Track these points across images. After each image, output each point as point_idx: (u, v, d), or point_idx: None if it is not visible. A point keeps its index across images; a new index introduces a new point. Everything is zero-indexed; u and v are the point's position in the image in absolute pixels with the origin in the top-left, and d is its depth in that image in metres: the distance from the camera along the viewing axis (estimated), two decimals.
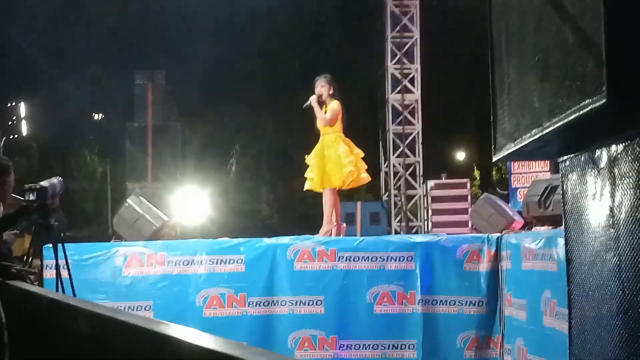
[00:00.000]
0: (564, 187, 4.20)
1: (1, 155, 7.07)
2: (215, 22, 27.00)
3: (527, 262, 7.09)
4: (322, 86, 9.08)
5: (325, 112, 8.99)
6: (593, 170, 3.73)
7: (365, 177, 9.14)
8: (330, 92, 9.04)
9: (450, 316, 8.09)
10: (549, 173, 14.79)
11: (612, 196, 3.52)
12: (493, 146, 4.52)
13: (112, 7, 26.26)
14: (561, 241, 5.03)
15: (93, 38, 27.33)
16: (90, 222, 31.97)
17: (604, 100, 2.92)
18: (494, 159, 4.57)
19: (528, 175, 16.82)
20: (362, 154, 9.15)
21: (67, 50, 27.58)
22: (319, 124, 9.06)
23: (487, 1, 4.58)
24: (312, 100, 9.04)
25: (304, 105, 9.19)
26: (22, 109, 13.64)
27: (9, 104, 13.38)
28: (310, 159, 9.10)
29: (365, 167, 9.16)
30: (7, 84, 23.80)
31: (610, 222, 3.54)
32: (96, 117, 32.13)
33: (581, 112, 3.14)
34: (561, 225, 4.63)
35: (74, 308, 1.81)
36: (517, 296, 7.46)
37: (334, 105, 8.99)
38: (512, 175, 17.54)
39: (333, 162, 8.88)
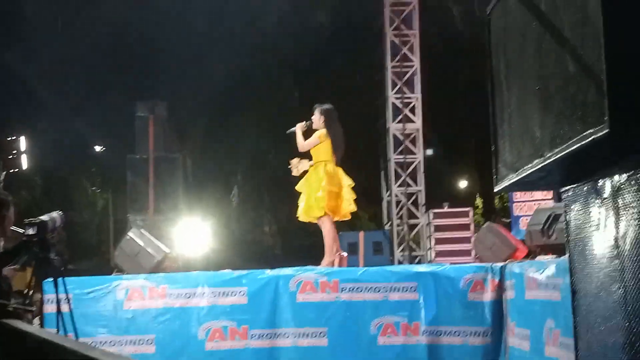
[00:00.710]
0: (567, 218, 4.16)
1: (1, 189, 7.04)
2: (216, 53, 27.09)
3: (531, 292, 7.03)
4: (315, 115, 9.25)
5: None
6: (596, 201, 3.69)
7: (350, 208, 9.19)
8: (321, 122, 9.12)
9: (455, 347, 8.01)
10: (551, 201, 14.73)
11: (617, 226, 3.48)
12: (495, 177, 4.50)
13: (113, 39, 26.36)
14: (565, 270, 4.98)
15: (93, 69, 27.42)
16: (92, 254, 31.92)
17: (606, 130, 2.90)
18: (496, 189, 4.55)
19: (530, 204, 16.78)
20: (352, 183, 9.18)
21: (66, 82, 27.67)
22: (300, 150, 9.23)
23: (485, 30, 4.57)
24: (298, 127, 9.25)
25: (288, 131, 9.41)
26: (22, 142, 13.63)
27: (8, 138, 13.38)
28: (298, 186, 9.19)
29: (354, 196, 9.21)
30: (7, 118, 23.86)
31: (615, 253, 3.49)
32: (97, 149, 32.15)
33: (583, 142, 3.12)
34: (565, 254, 4.59)
35: (67, 350, 1.77)
36: (521, 326, 7.39)
37: (317, 133, 9.12)
38: (514, 204, 17.51)
39: (312, 190, 8.96)
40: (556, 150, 3.42)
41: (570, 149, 3.26)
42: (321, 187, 8.89)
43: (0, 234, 5.35)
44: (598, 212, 3.70)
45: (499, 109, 4.43)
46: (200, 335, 8.06)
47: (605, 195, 3.60)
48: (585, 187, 3.87)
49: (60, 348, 1.78)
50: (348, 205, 9.15)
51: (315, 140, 9.11)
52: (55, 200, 28.76)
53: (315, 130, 9.21)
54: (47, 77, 26.23)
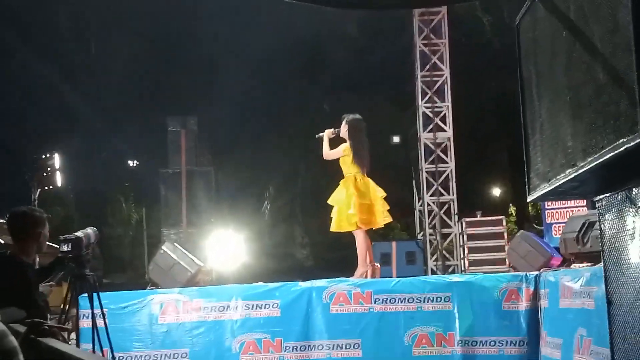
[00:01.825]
0: (602, 227, 4.12)
1: (36, 207, 7.12)
2: (245, 66, 27.24)
3: (565, 300, 6.97)
4: (343, 125, 9.37)
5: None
6: (631, 209, 3.66)
7: (384, 219, 9.23)
8: (345, 131, 9.23)
9: (491, 357, 7.96)
10: (585, 208, 14.59)
11: None
12: (527, 186, 4.48)
13: (145, 55, 26.60)
14: (599, 279, 4.94)
15: (126, 85, 27.68)
16: (126, 268, 32.15)
17: (639, 140, 2.87)
18: (529, 199, 4.53)
19: (563, 211, 16.61)
20: (384, 194, 9.22)
21: (100, 99, 27.97)
22: (324, 157, 9.50)
23: (515, 41, 4.56)
24: (326, 133, 9.45)
25: (317, 135, 9.61)
26: (57, 160, 13.76)
27: (43, 156, 13.53)
28: (330, 200, 9.29)
29: (387, 207, 9.24)
30: (41, 136, 24.15)
31: None
32: (130, 164, 32.41)
33: (616, 151, 3.09)
34: (600, 262, 4.55)
35: None
36: (553, 335, 7.34)
37: (343, 146, 9.28)
38: (547, 211, 17.35)
39: (343, 205, 9.00)
40: (589, 159, 3.40)
41: (603, 159, 3.24)
42: (352, 203, 8.93)
43: (36, 251, 5.40)
44: (633, 221, 3.66)
45: (530, 118, 4.42)
46: (234, 348, 8.09)
47: (639, 204, 3.57)
48: (619, 196, 3.84)
49: None
50: (382, 217, 9.20)
51: (338, 152, 9.23)
52: (89, 215, 29.02)
53: (342, 139, 9.30)
54: (81, 94, 26.52)
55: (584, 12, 3.48)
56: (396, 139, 26.26)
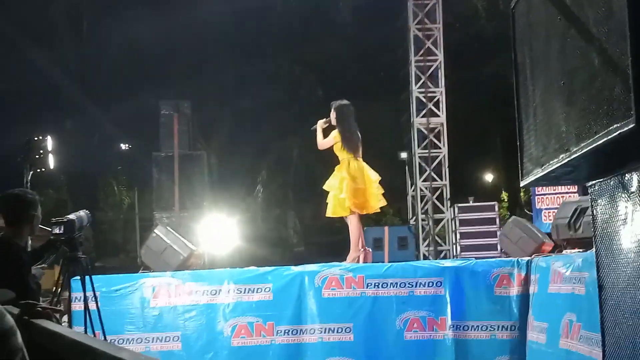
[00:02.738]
0: (594, 212, 4.13)
1: (28, 189, 7.11)
2: (239, 50, 27.18)
3: (554, 285, 7.01)
4: (332, 112, 9.45)
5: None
6: (623, 195, 3.67)
7: (379, 203, 9.26)
8: (333, 117, 9.27)
9: (483, 342, 7.99)
10: (575, 194, 14.64)
11: None
12: (520, 171, 4.49)
13: (138, 39, 26.49)
14: (591, 264, 4.96)
15: (118, 68, 27.59)
16: (118, 252, 32.15)
17: (632, 125, 2.88)
18: (522, 184, 4.54)
19: (553, 197, 16.71)
20: (378, 178, 9.25)
21: (92, 82, 27.86)
22: (318, 148, 9.58)
23: (510, 26, 4.55)
24: (318, 124, 9.50)
25: (312, 127, 9.67)
26: (49, 142, 13.75)
27: (35, 138, 13.51)
28: (325, 185, 9.32)
29: (382, 191, 9.26)
30: (33, 118, 24.07)
31: None
32: (123, 147, 32.34)
33: (609, 136, 3.10)
34: (592, 248, 4.57)
35: (96, 351, 1.79)
36: (539, 319, 7.39)
37: (333, 133, 9.35)
38: (536, 197, 17.42)
39: (336, 190, 9.04)
40: (582, 145, 3.41)
41: (596, 144, 3.24)
42: (345, 188, 8.97)
43: (28, 233, 5.39)
44: (625, 207, 3.67)
45: (524, 103, 4.42)
46: (226, 331, 8.10)
47: (632, 190, 3.58)
48: (612, 182, 3.85)
49: (89, 349, 1.80)
50: (377, 200, 9.25)
51: (330, 140, 9.29)
52: (81, 198, 28.98)
53: (334, 126, 9.34)
54: (73, 77, 26.42)
55: None
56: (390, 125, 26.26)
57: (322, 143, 9.41)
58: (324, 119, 9.47)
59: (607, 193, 3.91)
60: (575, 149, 3.52)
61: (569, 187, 15.42)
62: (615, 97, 3.06)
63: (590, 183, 4.19)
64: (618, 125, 3.01)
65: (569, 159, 3.62)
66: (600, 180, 4.01)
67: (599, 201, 4.05)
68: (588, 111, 3.35)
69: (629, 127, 2.91)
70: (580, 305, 6.13)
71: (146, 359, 1.74)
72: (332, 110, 9.41)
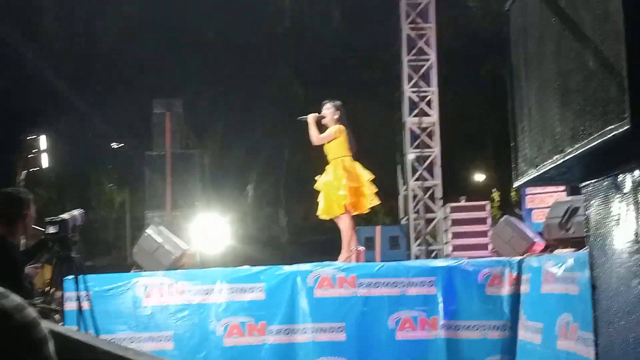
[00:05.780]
0: (587, 213, 4.15)
1: (22, 188, 7.09)
2: (231, 49, 27.14)
3: (547, 285, 7.01)
4: (327, 109, 9.34)
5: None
6: (617, 196, 3.69)
7: (371, 202, 9.23)
8: (335, 116, 9.17)
9: (474, 341, 8.00)
10: (564, 193, 14.66)
11: (637, 221, 3.47)
12: (514, 172, 4.50)
13: (131, 37, 26.45)
14: (584, 264, 4.98)
15: (111, 67, 27.53)
16: (109, 251, 32.04)
17: (627, 127, 2.89)
18: (515, 184, 4.55)
19: (542, 196, 16.72)
20: (371, 177, 9.21)
21: (85, 81, 27.78)
22: (314, 143, 9.29)
23: (504, 27, 4.56)
24: (310, 116, 9.27)
25: (299, 118, 9.42)
26: (43, 141, 13.71)
27: (29, 137, 13.48)
28: (317, 185, 9.22)
29: (375, 190, 9.23)
30: (27, 117, 23.98)
31: (635, 248, 3.49)
32: (115, 146, 32.26)
33: (604, 138, 3.11)
34: (583, 247, 4.59)
35: (100, 350, 1.79)
36: (533, 319, 7.38)
37: (333, 129, 9.18)
38: (526, 197, 17.43)
39: (332, 188, 8.98)
40: (577, 146, 3.43)
41: (590, 145, 3.26)
42: (342, 186, 8.92)
43: (21, 232, 5.39)
44: (618, 207, 3.69)
45: (518, 104, 4.44)
46: (218, 331, 8.09)
47: (625, 190, 3.59)
48: (606, 182, 3.86)
49: (92, 348, 1.81)
50: (370, 200, 9.21)
51: (329, 135, 9.15)
52: (72, 197, 28.88)
53: (325, 125, 9.25)
54: (65, 76, 26.34)
55: None
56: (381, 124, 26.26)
57: (320, 138, 9.18)
58: (316, 114, 9.34)
59: (601, 193, 3.93)
60: (569, 150, 3.54)
61: (557, 186, 15.43)
62: (610, 98, 3.07)
63: (584, 184, 4.21)
64: (613, 127, 3.03)
65: (563, 160, 3.63)
66: (594, 180, 4.03)
67: (592, 202, 4.07)
68: (583, 112, 3.36)
69: (624, 128, 2.93)
70: (575, 306, 6.15)
71: (151, 358, 1.74)
72: (333, 108, 9.29)
